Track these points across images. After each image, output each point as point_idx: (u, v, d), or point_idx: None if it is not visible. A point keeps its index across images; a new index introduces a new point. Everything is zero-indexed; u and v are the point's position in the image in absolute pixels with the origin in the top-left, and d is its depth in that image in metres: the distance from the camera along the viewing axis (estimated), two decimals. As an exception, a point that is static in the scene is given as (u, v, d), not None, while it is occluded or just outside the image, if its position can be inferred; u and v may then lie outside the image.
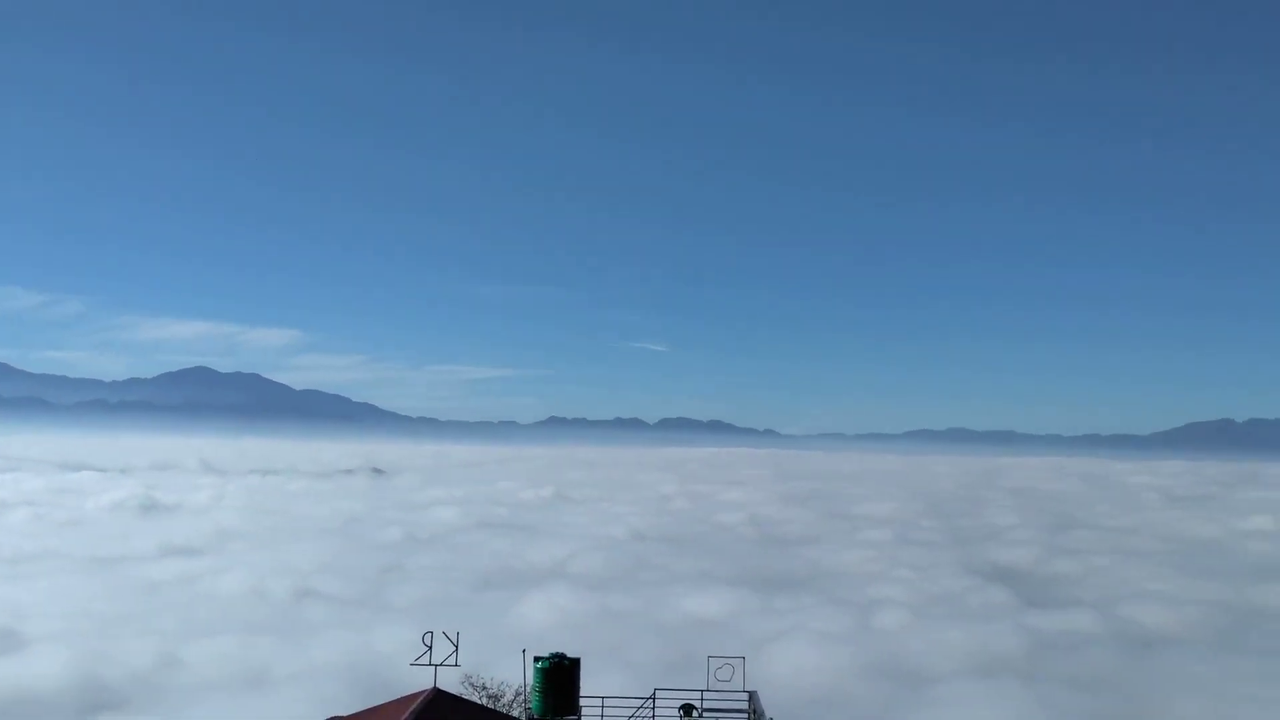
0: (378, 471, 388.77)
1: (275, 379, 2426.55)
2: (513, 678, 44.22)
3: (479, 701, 44.71)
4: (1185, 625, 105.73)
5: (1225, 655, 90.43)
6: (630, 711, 33.16)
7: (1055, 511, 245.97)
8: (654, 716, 33.48)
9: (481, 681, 50.26)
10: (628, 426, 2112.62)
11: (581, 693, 32.18)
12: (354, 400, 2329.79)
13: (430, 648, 29.14)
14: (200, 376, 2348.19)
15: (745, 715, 33.60)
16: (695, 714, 33.43)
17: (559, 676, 31.27)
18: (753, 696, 34.02)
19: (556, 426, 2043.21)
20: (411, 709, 26.93)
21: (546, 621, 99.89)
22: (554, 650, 32.32)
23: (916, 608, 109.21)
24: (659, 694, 33.73)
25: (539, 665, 31.55)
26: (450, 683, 35.24)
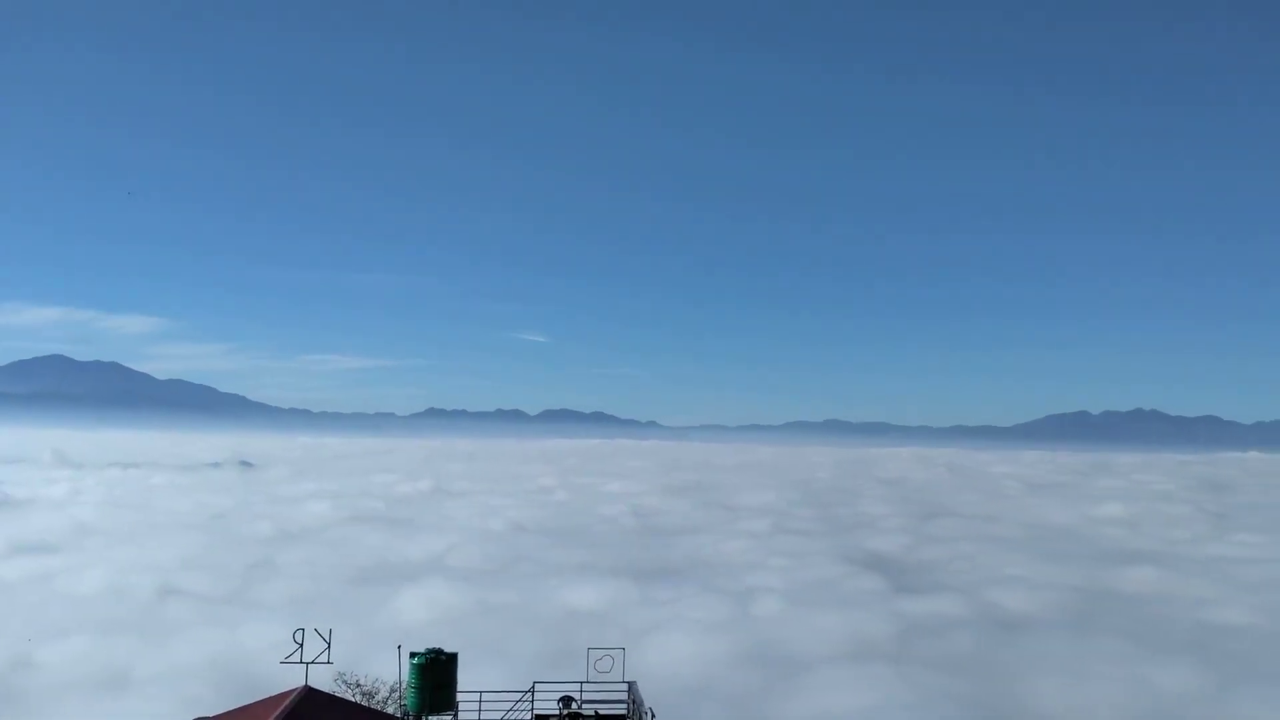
0: (246, 465, 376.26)
1: (137, 368, 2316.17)
2: (388, 674, 43.49)
3: (353, 699, 43.63)
4: (1043, 608, 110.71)
5: (1080, 636, 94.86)
6: (509, 705, 32.80)
7: (924, 500, 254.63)
8: (533, 709, 33.20)
9: (355, 679, 49.12)
10: (508, 418, 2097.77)
11: (459, 688, 31.83)
12: (221, 391, 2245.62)
13: (301, 645, 28.61)
14: (55, 365, 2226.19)
15: (624, 706, 33.64)
16: (575, 706, 33.32)
17: (435, 672, 30.89)
18: (632, 687, 34.10)
19: (435, 418, 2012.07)
20: (281, 708, 26.07)
21: (423, 617, 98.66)
22: (430, 645, 32.01)
23: (792, 595, 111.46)
24: (538, 687, 33.53)
25: (414, 661, 31.10)
26: (323, 680, 34.40)
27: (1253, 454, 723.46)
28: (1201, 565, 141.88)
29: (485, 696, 32.81)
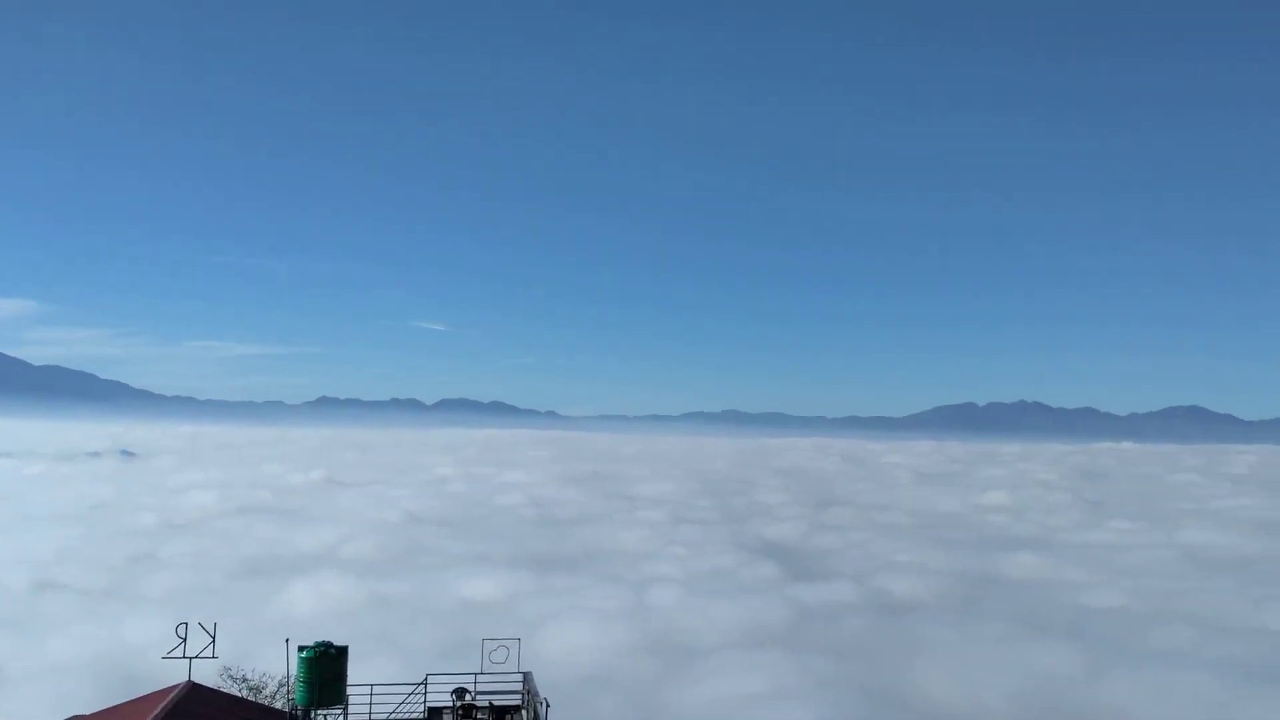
0: (128, 454, 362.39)
1: (10, 354, 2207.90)
2: (276, 669, 42.41)
3: (239, 694, 42.41)
4: (931, 593, 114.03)
5: (966, 620, 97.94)
6: (401, 698, 32.15)
7: (819, 489, 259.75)
8: (425, 702, 32.63)
9: (242, 673, 47.95)
10: (404, 408, 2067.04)
11: (350, 681, 31.14)
12: (101, 378, 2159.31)
13: (184, 640, 27.92)
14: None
15: (519, 697, 33.38)
16: (468, 697, 32.90)
17: (325, 665, 30.15)
18: (527, 677, 33.87)
19: (328, 407, 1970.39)
20: (163, 704, 25.17)
21: (314, 610, 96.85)
22: (320, 639, 31.16)
23: (689, 584, 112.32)
24: (431, 679, 32.98)
25: (303, 655, 30.27)
26: (207, 675, 33.46)
27: (1126, 444, 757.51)
28: (1079, 551, 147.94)
29: (377, 690, 32.11)
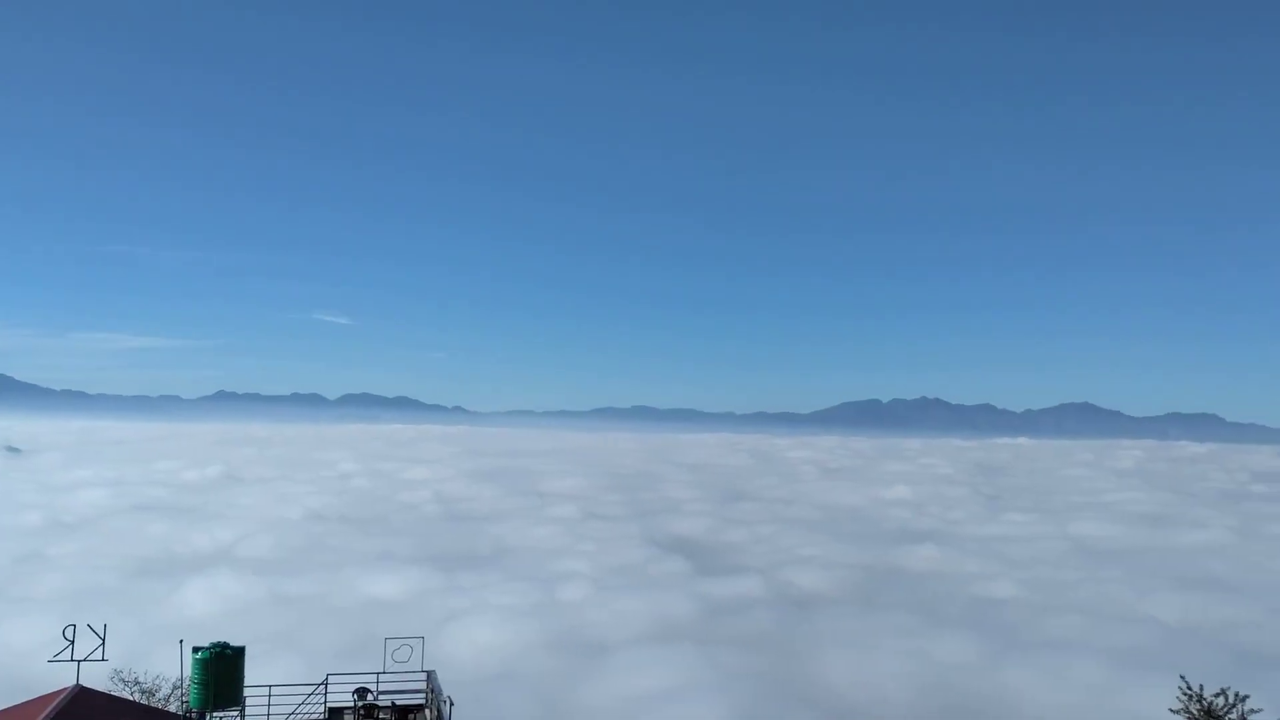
0: (13, 450, 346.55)
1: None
2: (170, 671, 41.05)
3: (131, 698, 40.83)
4: (836, 585, 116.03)
5: (869, 611, 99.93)
6: (300, 699, 31.23)
7: (727, 484, 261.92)
8: (326, 703, 31.77)
9: (134, 676, 46.10)
10: (306, 402, 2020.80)
11: (246, 683, 30.24)
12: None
13: (73, 642, 26.80)
14: None
15: (423, 695, 32.80)
16: (370, 697, 32.19)
17: (220, 667, 29.31)
18: (431, 676, 33.34)
19: (226, 402, 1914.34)
20: (49, 709, 23.95)
21: (210, 610, 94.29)
22: (217, 639, 30.33)
23: (598, 580, 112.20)
24: (332, 679, 32.16)
25: (198, 656, 29.34)
26: (97, 679, 31.95)
27: (1022, 440, 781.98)
28: (977, 543, 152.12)
29: (275, 691, 31.20)
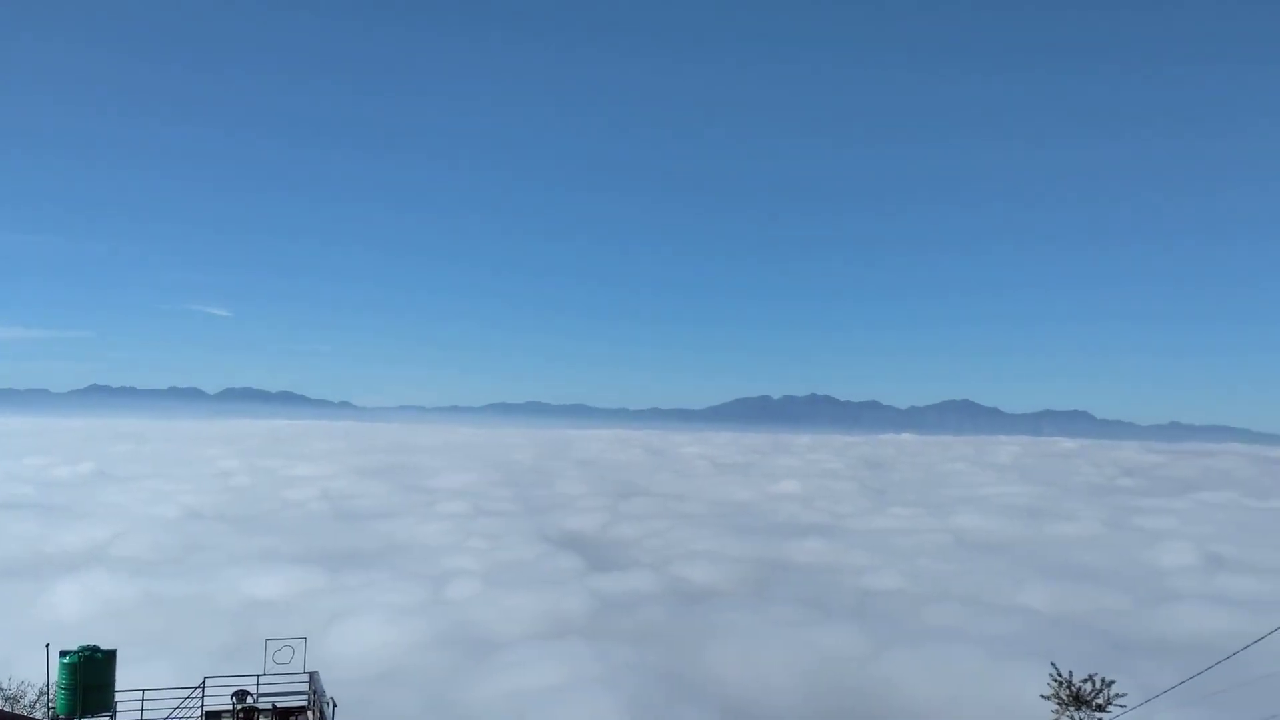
0: None
1: None
2: (36, 676, 39.27)
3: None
4: (726, 579, 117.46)
5: (759, 604, 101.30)
6: (176, 703, 30.11)
7: (620, 480, 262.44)
8: (203, 706, 30.69)
9: (-4, 682, 43.95)
10: (184, 397, 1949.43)
11: (118, 687, 29.10)
12: None
13: None
14: None
15: (305, 697, 32.00)
16: (250, 700, 31.23)
17: (89, 671, 28.26)
18: (313, 677, 32.57)
19: (98, 396, 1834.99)
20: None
21: (80, 612, 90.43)
22: (87, 642, 29.27)
23: (489, 576, 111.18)
24: (209, 682, 31.07)
25: (65, 660, 28.15)
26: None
27: (906, 435, 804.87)
28: (863, 536, 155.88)
29: (149, 695, 30.03)
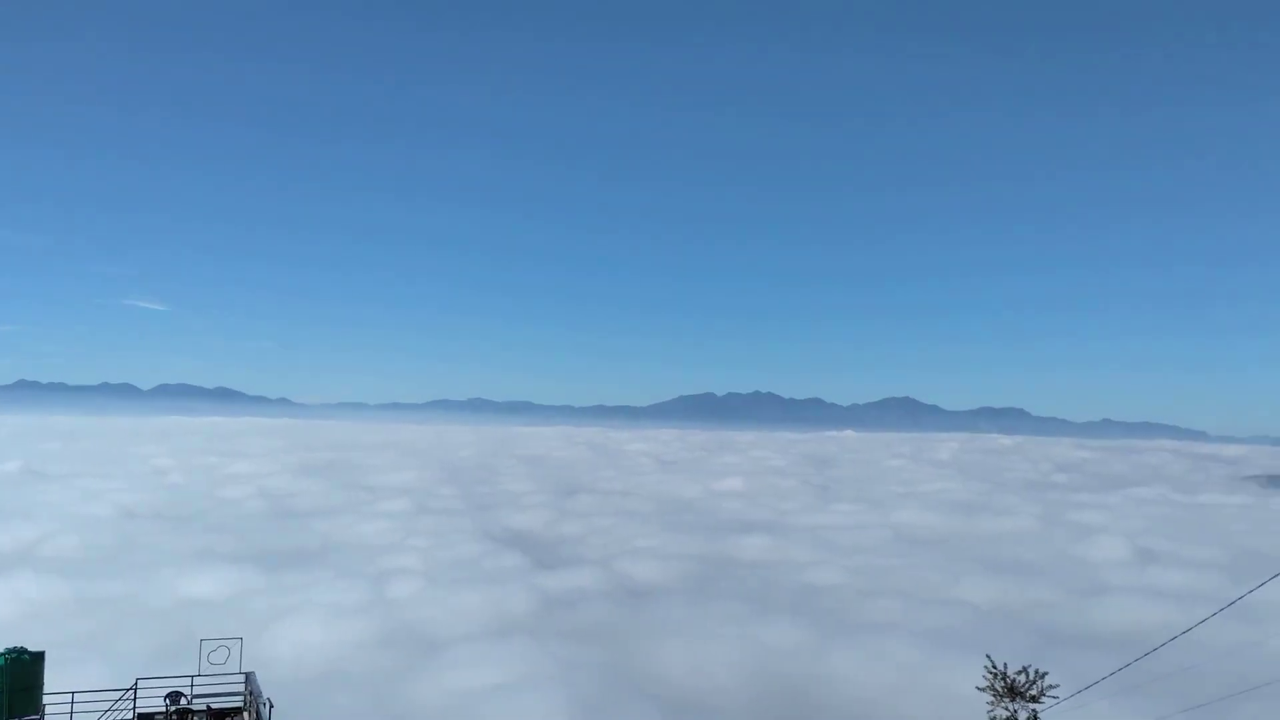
0: None
1: None
2: None
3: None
4: (670, 576, 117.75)
5: (702, 600, 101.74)
6: (107, 705, 29.45)
7: (564, 477, 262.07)
8: (135, 708, 30.05)
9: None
10: (117, 393, 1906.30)
11: (47, 690, 28.50)
12: None
13: None
14: None
15: (241, 698, 31.51)
16: (184, 701, 30.66)
17: (16, 673, 27.86)
18: (250, 678, 32.08)
19: (27, 392, 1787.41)
20: None
21: (9, 614, 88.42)
22: (14, 644, 28.90)
23: (431, 575, 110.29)
24: (141, 683, 30.43)
25: None
26: None
27: (848, 433, 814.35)
28: (805, 532, 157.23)
29: (79, 697, 29.35)
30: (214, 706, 31.20)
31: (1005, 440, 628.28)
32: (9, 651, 27.87)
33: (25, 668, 27.85)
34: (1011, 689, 35.10)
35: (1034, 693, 34.99)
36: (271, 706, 30.07)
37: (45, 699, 28.55)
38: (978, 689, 35.96)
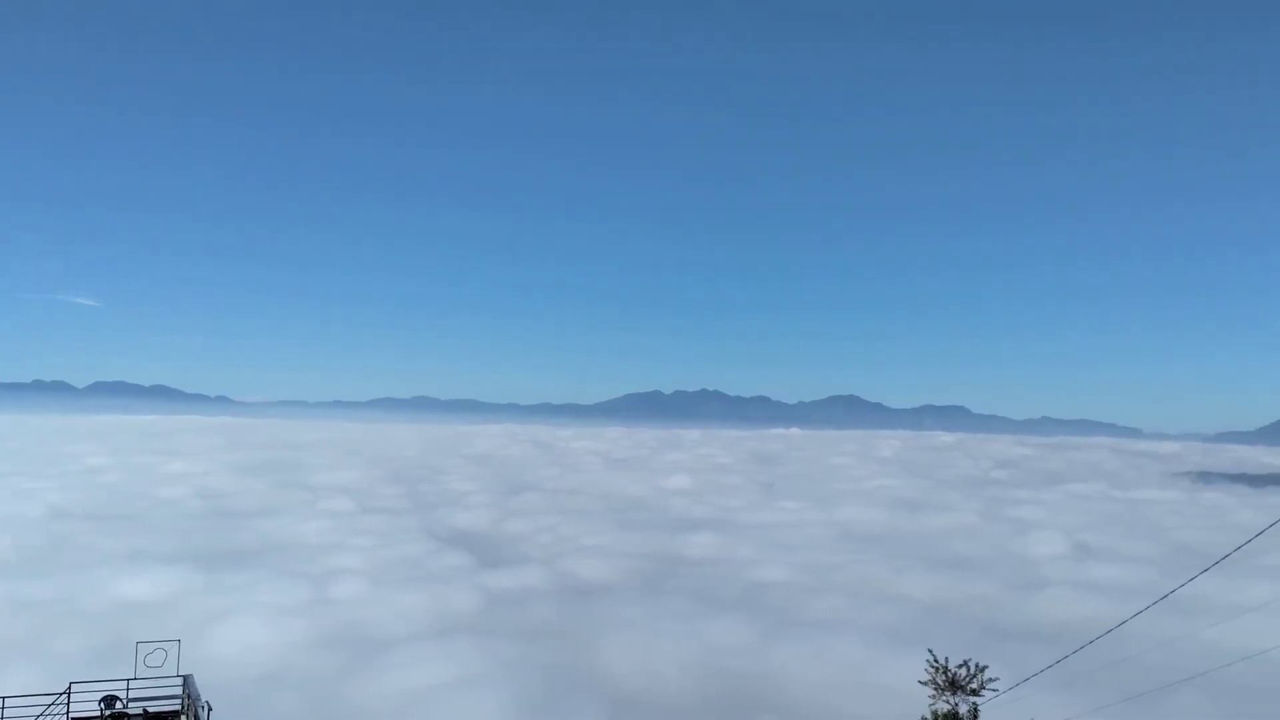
0: None
1: None
2: None
3: None
4: (618, 574, 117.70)
5: (650, 598, 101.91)
6: (39, 710, 28.60)
7: (510, 476, 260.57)
8: (68, 713, 29.21)
9: None
10: (49, 391, 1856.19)
11: None
12: None
13: None
14: None
15: (179, 701, 30.79)
16: (120, 705, 29.87)
17: None
18: (187, 680, 31.36)
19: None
20: None
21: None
22: None
23: (375, 575, 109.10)
24: (76, 688, 29.58)
25: None
26: None
27: (794, 430, 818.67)
28: (752, 529, 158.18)
29: (10, 702, 28.51)
30: (151, 710, 30.49)
31: (947, 437, 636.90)
32: (-67, 656, 26.89)
33: (-50, 673, 26.93)
34: (953, 683, 35.50)
35: (974, 686, 35.41)
36: (210, 709, 29.48)
37: (-30, 705, 27.59)
38: (920, 683, 36.32)
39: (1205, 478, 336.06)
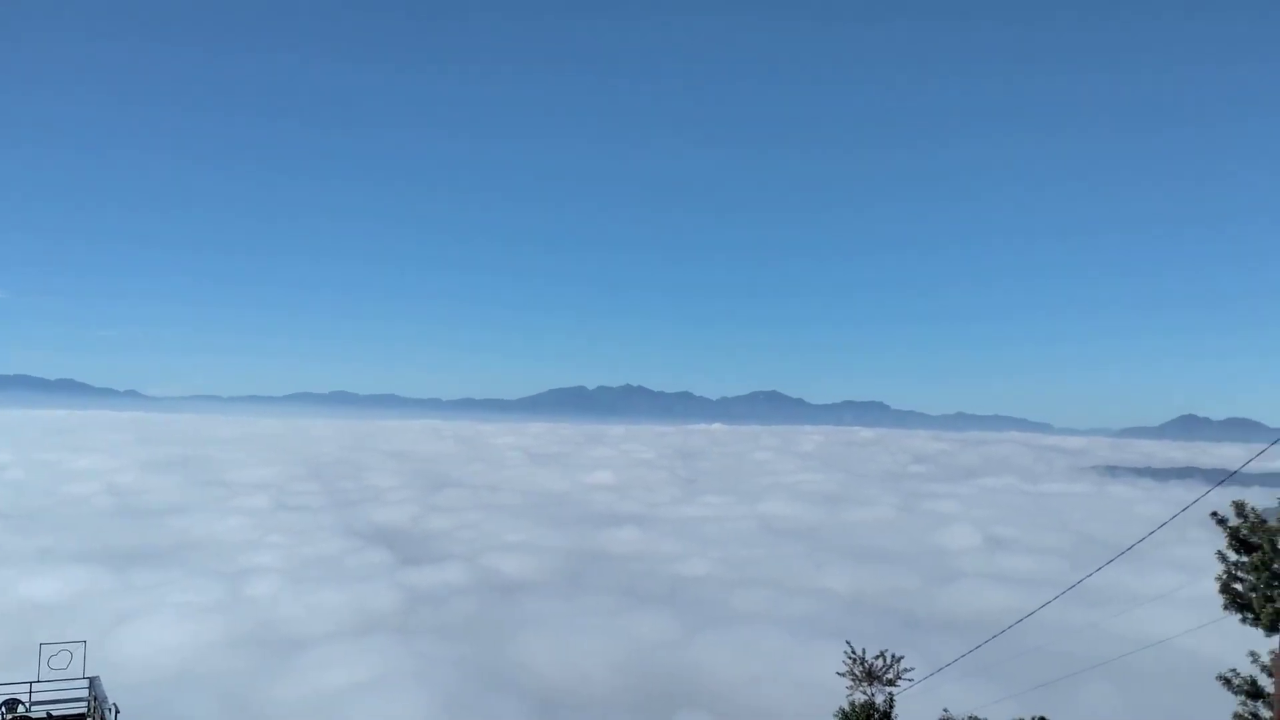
0: None
1: None
2: None
3: None
4: (539, 570, 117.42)
5: (572, 594, 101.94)
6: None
7: (431, 472, 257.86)
8: None
9: None
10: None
11: None
12: None
13: None
14: None
15: (84, 704, 29.90)
16: (22, 709, 28.91)
17: None
18: (94, 683, 30.47)
19: None
20: None
21: None
22: None
23: (292, 573, 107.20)
24: None
25: None
26: None
27: (717, 426, 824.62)
28: (675, 524, 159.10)
29: None
30: (55, 714, 29.59)
31: (866, 433, 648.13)
32: None
33: None
34: (869, 673, 36.07)
35: (890, 676, 36.05)
36: (117, 712, 28.69)
37: None
38: (838, 674, 36.85)
39: (1112, 471, 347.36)
